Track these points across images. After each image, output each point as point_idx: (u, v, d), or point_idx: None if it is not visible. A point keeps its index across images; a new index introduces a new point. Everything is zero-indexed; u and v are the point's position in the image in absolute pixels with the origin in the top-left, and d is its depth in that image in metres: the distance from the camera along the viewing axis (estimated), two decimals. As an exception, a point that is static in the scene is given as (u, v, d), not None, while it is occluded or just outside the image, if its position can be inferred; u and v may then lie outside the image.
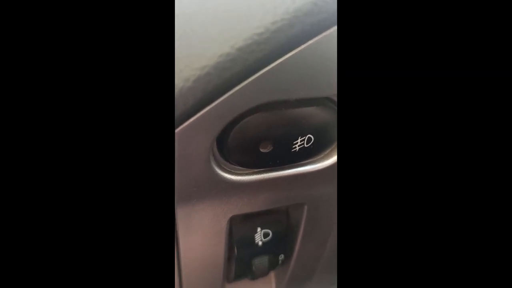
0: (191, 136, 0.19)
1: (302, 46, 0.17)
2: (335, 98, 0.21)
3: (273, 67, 0.17)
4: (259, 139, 0.21)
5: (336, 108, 0.22)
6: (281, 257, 0.31)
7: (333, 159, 0.24)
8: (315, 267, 0.34)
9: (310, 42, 0.17)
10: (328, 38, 0.18)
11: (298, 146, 0.23)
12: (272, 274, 0.36)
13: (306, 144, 0.23)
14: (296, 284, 0.35)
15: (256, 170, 0.23)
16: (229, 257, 0.29)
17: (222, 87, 0.17)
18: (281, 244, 0.30)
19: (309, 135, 0.22)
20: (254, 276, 0.31)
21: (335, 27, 0.17)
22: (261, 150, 0.22)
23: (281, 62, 0.17)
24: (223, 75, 0.16)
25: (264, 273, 0.31)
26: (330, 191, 0.27)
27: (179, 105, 0.17)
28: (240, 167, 0.23)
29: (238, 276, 0.31)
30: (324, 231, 0.30)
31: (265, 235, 0.29)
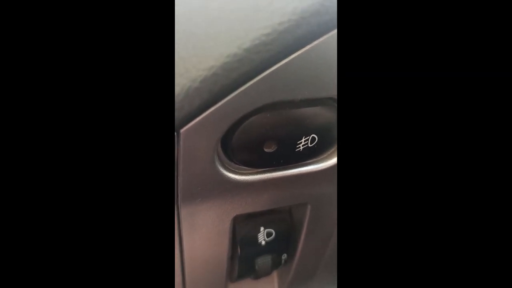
0: (196, 136, 0.19)
1: (308, 47, 0.17)
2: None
3: (278, 68, 0.18)
4: (263, 139, 0.21)
5: None
6: (284, 256, 0.31)
7: (333, 160, 0.25)
8: (317, 266, 0.34)
9: (315, 42, 0.17)
10: (333, 38, 0.18)
11: (302, 146, 0.23)
12: (274, 274, 0.36)
13: (310, 144, 0.23)
14: (298, 283, 0.35)
15: (260, 169, 0.23)
16: (232, 257, 0.30)
17: (228, 88, 0.17)
18: (284, 243, 0.30)
19: (313, 135, 0.22)
20: (257, 275, 0.31)
21: None
22: (265, 150, 0.22)
23: (286, 63, 0.17)
24: (230, 76, 0.16)
25: (267, 273, 0.31)
26: (333, 190, 0.27)
27: (185, 105, 0.17)
28: (244, 167, 0.23)
29: (241, 276, 0.31)
30: (326, 231, 0.30)
31: (268, 234, 0.29)
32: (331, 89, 0.20)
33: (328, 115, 0.22)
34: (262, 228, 0.28)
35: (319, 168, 0.24)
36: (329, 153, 0.25)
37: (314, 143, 0.23)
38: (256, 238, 0.28)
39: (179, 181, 0.21)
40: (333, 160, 0.25)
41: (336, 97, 0.21)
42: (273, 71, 0.17)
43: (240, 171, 0.23)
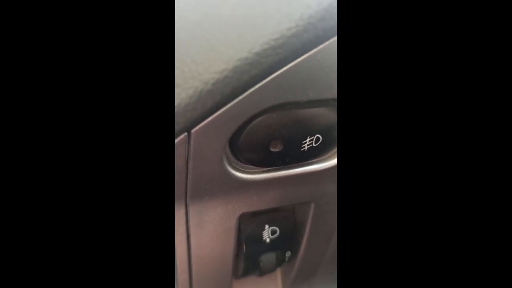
0: (206, 136, 0.19)
1: (314, 50, 0.18)
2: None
3: (285, 70, 0.18)
4: (269, 138, 0.22)
5: None
6: (288, 254, 0.32)
7: (335, 159, 0.25)
8: (319, 263, 0.35)
9: (320, 46, 0.18)
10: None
11: (307, 145, 0.23)
12: (278, 271, 0.37)
13: (315, 143, 0.24)
14: (301, 280, 0.36)
15: (265, 168, 0.24)
16: (237, 254, 0.30)
17: (239, 90, 0.18)
18: (288, 241, 0.31)
19: (317, 135, 0.23)
20: (261, 272, 0.31)
21: None
22: (272, 149, 0.23)
23: (293, 65, 0.18)
24: (241, 78, 0.17)
25: (271, 270, 0.32)
26: (336, 190, 0.28)
27: (198, 107, 0.18)
28: (251, 166, 0.23)
29: (246, 273, 0.31)
30: (329, 229, 0.31)
31: (273, 232, 0.30)
32: (334, 90, 0.21)
33: (332, 116, 0.23)
34: (266, 226, 0.29)
35: (323, 168, 0.25)
36: (332, 152, 0.25)
37: (319, 143, 0.24)
38: (261, 236, 0.29)
39: (188, 179, 0.21)
40: (336, 160, 0.25)
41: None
42: (280, 74, 0.18)
43: (246, 170, 0.23)
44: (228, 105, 0.18)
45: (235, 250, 0.29)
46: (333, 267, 0.36)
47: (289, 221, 0.30)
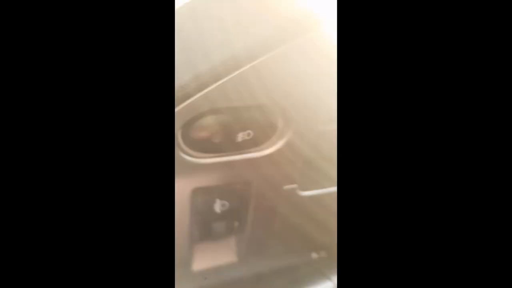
0: None
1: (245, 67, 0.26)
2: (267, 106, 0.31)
3: (218, 85, 0.27)
4: (211, 132, 0.30)
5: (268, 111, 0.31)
6: (236, 224, 0.39)
7: (270, 149, 0.34)
8: (268, 237, 0.42)
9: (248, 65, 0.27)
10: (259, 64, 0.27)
11: (241, 138, 0.32)
12: (233, 241, 0.44)
13: (248, 137, 0.32)
14: (253, 250, 0.43)
15: (211, 154, 0.32)
16: (194, 221, 0.37)
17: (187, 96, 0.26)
18: (236, 213, 0.38)
19: (248, 131, 0.31)
20: (214, 237, 0.39)
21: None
22: (213, 141, 0.31)
23: (227, 80, 0.27)
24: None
25: (222, 236, 0.39)
26: (270, 173, 0.36)
27: None
28: (200, 153, 0.32)
29: (202, 237, 0.39)
30: (271, 205, 0.39)
31: (223, 205, 0.37)
32: (261, 98, 0.29)
33: (261, 117, 0.31)
34: (217, 200, 0.37)
35: (258, 156, 0.33)
36: (265, 145, 0.34)
37: (250, 136, 0.32)
38: (213, 207, 0.37)
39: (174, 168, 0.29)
40: (267, 150, 0.33)
41: (264, 104, 0.30)
42: (215, 87, 0.27)
43: (196, 156, 0.32)
44: (180, 106, 0.27)
45: (191, 218, 0.37)
46: (282, 243, 0.44)
47: (236, 197, 0.38)
